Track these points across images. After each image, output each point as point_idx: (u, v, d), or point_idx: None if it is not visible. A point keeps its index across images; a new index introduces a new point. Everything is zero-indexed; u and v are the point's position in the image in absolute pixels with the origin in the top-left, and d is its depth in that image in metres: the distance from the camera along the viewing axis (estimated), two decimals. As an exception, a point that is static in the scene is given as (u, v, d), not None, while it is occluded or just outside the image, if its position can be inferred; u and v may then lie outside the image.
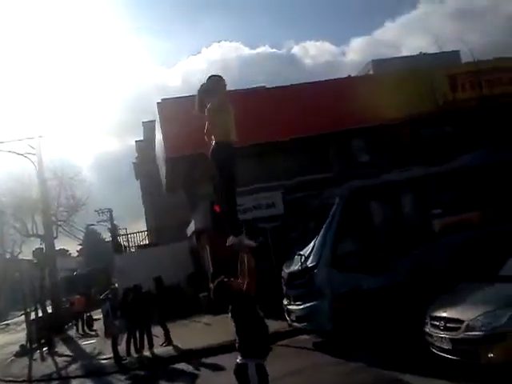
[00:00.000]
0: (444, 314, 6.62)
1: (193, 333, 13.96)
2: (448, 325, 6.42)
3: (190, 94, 18.35)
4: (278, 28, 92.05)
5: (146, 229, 31.28)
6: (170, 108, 16.79)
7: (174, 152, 16.36)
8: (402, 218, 10.30)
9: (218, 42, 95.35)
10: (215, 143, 4.65)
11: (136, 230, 32.69)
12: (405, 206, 10.45)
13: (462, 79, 17.65)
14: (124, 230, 36.06)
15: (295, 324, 10.56)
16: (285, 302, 11.08)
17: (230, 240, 4.58)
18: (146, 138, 29.75)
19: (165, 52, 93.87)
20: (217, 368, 9.94)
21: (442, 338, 6.48)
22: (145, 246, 27.20)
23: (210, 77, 4.98)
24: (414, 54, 23.84)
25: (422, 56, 22.89)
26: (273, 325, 12.00)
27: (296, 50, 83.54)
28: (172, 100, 17.50)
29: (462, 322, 6.21)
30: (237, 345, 4.38)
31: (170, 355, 11.65)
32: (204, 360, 10.74)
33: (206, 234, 17.22)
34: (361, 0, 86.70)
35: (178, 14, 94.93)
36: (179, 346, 12.18)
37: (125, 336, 12.63)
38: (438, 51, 17.95)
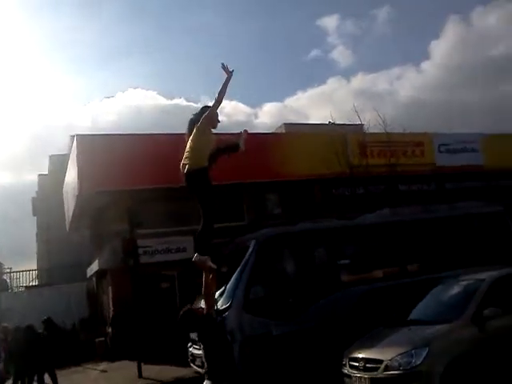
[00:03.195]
0: (363, 355, 6.87)
1: (88, 380, 13.02)
2: (367, 365, 6.66)
3: (107, 133, 18.08)
4: (194, 83, 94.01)
5: (36, 269, 29.16)
6: (87, 143, 16.43)
7: (87, 188, 15.79)
8: (314, 266, 10.54)
9: (134, 88, 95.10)
10: (192, 167, 4.98)
11: (23, 269, 30.03)
12: (316, 256, 10.74)
13: (371, 147, 19.05)
14: (8, 269, 33.36)
15: (200, 370, 10.18)
16: (190, 347, 10.75)
17: (196, 257, 4.73)
18: (50, 172, 28.43)
19: (76, 90, 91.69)
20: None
21: (361, 378, 6.69)
22: (35, 286, 25.40)
23: (202, 107, 5.37)
24: (323, 122, 25.68)
25: (331, 125, 24.55)
26: (177, 372, 11.64)
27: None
28: (89, 136, 17.25)
29: (381, 361, 6.49)
30: (205, 370, 4.49)
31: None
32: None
33: (110, 274, 16.53)
34: (277, 69, 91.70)
35: (95, 56, 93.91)
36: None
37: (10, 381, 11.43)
38: (345, 123, 19.58)
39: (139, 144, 16.51)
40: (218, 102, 5.09)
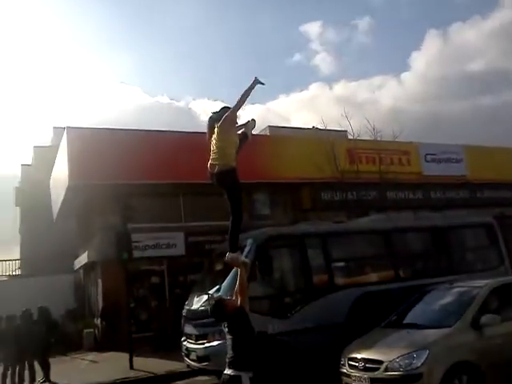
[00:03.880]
0: (363, 356, 7.06)
1: (78, 370, 13.00)
2: (367, 365, 6.86)
3: (97, 127, 17.96)
4: (178, 81, 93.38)
5: (19, 259, 28.72)
6: (78, 136, 16.43)
7: (77, 179, 15.77)
8: (309, 267, 10.65)
9: (120, 82, 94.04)
10: (222, 168, 5.18)
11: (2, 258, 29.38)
12: (312, 257, 10.84)
13: (359, 153, 19.44)
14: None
15: (194, 364, 10.31)
16: (184, 341, 10.88)
17: (228, 255, 5.00)
18: (35, 163, 28.12)
19: (58, 83, 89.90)
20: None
21: (360, 377, 6.89)
22: (18, 275, 25.18)
23: (223, 107, 5.51)
24: (306, 126, 26.03)
25: (314, 130, 24.92)
26: (168, 365, 11.77)
27: (193, 105, 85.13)
28: (80, 128, 17.20)
29: (381, 362, 6.69)
30: (229, 359, 4.69)
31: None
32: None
33: (101, 266, 16.53)
34: (260, 70, 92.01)
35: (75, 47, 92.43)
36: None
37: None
38: (325, 128, 19.90)
39: (130, 139, 16.61)
40: (240, 104, 5.25)
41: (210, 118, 5.48)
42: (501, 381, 6.76)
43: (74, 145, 16.18)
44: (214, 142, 5.27)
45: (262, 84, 5.29)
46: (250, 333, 4.78)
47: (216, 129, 5.27)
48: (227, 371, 4.63)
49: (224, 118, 5.22)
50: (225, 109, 5.42)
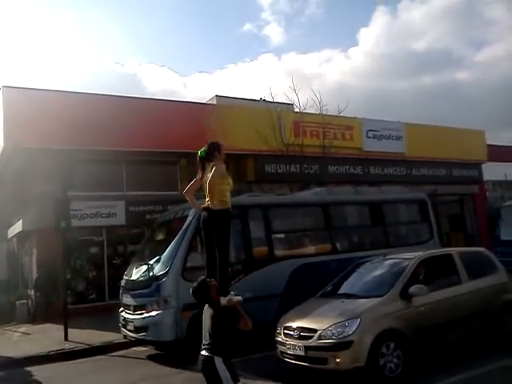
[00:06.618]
0: (298, 324, 7.24)
1: (10, 342, 12.54)
2: (302, 334, 7.04)
3: (38, 88, 17.06)
4: (123, 43, 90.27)
5: None
6: (15, 96, 15.59)
7: (13, 142, 15.03)
8: (249, 238, 10.75)
9: (62, 41, 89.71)
10: (221, 206, 5.72)
11: None
12: (253, 228, 10.93)
13: (304, 127, 19.57)
14: None
15: (131, 334, 10.27)
16: (121, 312, 10.79)
17: (222, 300, 5.05)
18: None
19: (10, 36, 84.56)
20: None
21: (295, 345, 7.06)
22: None
23: (209, 143, 5.97)
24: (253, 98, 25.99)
25: (262, 102, 24.85)
26: (105, 336, 11.62)
27: (139, 70, 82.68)
28: (18, 89, 16.27)
29: (315, 331, 6.89)
30: (206, 342, 4.71)
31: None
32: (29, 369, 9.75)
33: (36, 235, 15.97)
34: (209, 39, 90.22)
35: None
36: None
37: None
38: (273, 101, 19.90)
39: (71, 102, 15.94)
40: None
41: (200, 157, 5.91)
42: (423, 344, 7.17)
43: (11, 105, 15.42)
44: (213, 188, 5.72)
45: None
46: (229, 329, 4.77)
47: (212, 178, 5.70)
48: (203, 352, 4.70)
49: (214, 176, 5.69)
50: (213, 146, 5.89)
